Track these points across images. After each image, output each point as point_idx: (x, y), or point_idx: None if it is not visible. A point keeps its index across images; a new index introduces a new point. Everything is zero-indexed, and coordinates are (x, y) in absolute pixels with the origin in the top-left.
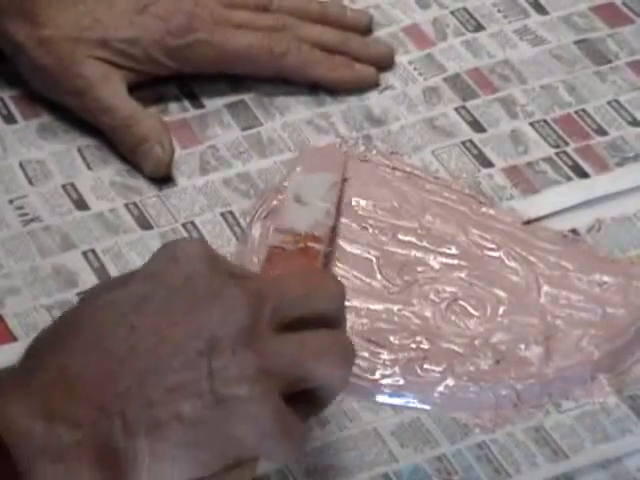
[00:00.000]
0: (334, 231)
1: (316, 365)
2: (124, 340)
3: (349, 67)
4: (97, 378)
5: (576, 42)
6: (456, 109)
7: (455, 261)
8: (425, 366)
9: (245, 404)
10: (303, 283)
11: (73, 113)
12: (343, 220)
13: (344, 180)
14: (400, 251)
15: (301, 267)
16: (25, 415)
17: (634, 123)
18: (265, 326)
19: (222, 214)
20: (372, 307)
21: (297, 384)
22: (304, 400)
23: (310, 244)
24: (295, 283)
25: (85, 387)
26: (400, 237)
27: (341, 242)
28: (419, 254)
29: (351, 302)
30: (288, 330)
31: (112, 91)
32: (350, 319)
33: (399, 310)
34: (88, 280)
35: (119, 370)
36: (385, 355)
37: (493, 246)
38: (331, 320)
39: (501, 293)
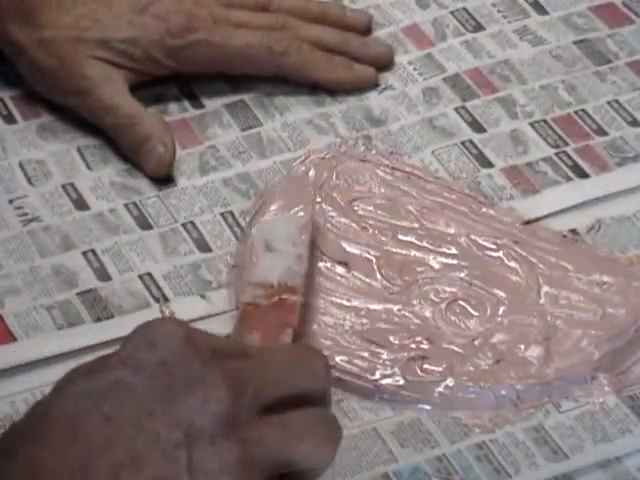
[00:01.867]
0: (309, 278)
1: (300, 447)
2: (99, 431)
3: (348, 67)
4: (70, 472)
5: (576, 42)
6: (456, 109)
7: (455, 261)
8: (425, 366)
9: None
10: (286, 361)
11: (73, 113)
12: (343, 220)
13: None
14: (400, 251)
15: (277, 324)
16: None
17: (634, 123)
18: (246, 411)
19: (222, 214)
20: (372, 307)
21: (282, 468)
22: (290, 478)
23: (284, 296)
24: (278, 361)
25: None
26: (400, 237)
27: (341, 242)
28: (419, 254)
29: (351, 302)
30: (270, 410)
31: (114, 91)
32: (350, 319)
33: (399, 310)
34: (88, 280)
35: (94, 463)
36: (385, 355)
37: (493, 246)
38: (316, 397)
39: (501, 293)
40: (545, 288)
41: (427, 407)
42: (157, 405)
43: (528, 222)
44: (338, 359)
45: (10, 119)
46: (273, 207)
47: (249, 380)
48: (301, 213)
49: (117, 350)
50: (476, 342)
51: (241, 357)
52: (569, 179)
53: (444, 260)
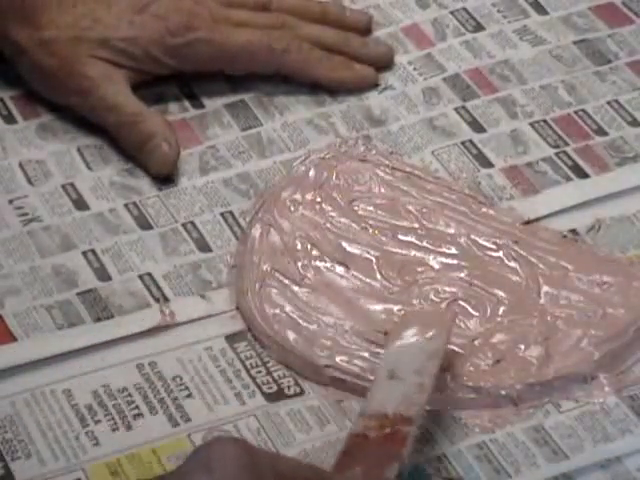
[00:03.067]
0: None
1: None
2: None
3: (348, 67)
4: None
5: (576, 42)
6: (456, 109)
7: (455, 261)
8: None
9: None
10: None
11: (73, 113)
12: (343, 220)
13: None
14: (400, 251)
15: (384, 457)
16: None
17: (634, 123)
18: None
19: (222, 214)
20: (372, 307)
21: None
22: None
23: (398, 427)
24: None
25: None
26: (400, 237)
27: (341, 242)
28: (419, 254)
29: (351, 302)
30: None
31: (116, 90)
32: (350, 319)
33: (399, 310)
34: (88, 280)
35: None
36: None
37: (493, 246)
38: None
39: (501, 293)
40: (545, 288)
41: (427, 407)
42: None
43: (528, 222)
44: (338, 359)
45: (10, 119)
46: (408, 332)
47: None
48: (434, 339)
49: (174, 470)
50: (476, 342)
51: None
52: (569, 179)
53: (444, 260)
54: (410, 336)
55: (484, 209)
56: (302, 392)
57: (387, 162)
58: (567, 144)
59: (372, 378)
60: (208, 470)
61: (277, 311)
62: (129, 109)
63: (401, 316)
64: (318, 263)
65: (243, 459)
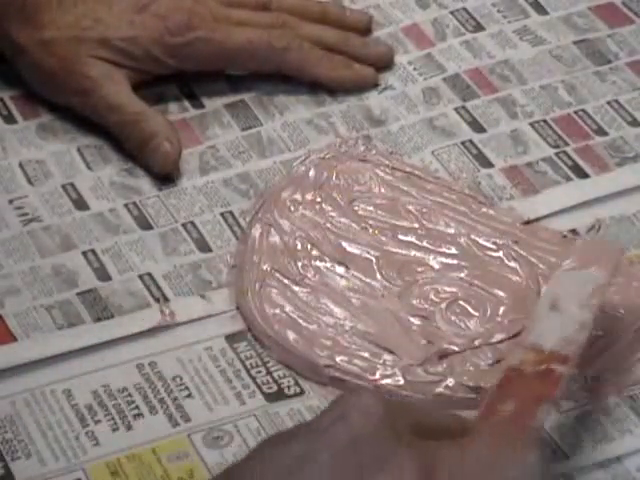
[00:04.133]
0: (590, 347)
1: None
2: None
3: (348, 67)
4: None
5: (576, 42)
6: (456, 109)
7: (455, 261)
8: (425, 366)
9: None
10: (491, 451)
11: (74, 113)
12: (343, 220)
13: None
14: (400, 251)
15: (537, 396)
16: None
17: (634, 123)
18: None
19: (222, 214)
20: (372, 307)
21: None
22: None
23: (554, 366)
24: (481, 450)
25: None
26: (400, 237)
27: (341, 242)
28: (419, 254)
29: (351, 302)
30: None
31: (117, 89)
32: (350, 319)
33: (399, 310)
34: (88, 280)
35: None
36: (385, 355)
37: (493, 246)
38: None
39: (501, 293)
40: (545, 288)
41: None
42: None
43: (528, 222)
44: (338, 359)
45: (10, 119)
46: (568, 261)
47: (447, 466)
48: (600, 273)
49: (311, 420)
50: (476, 342)
51: (446, 436)
52: (569, 179)
53: (444, 260)
54: (577, 266)
55: (484, 209)
56: (302, 392)
57: (387, 162)
58: (567, 144)
59: (372, 378)
60: (346, 423)
61: (277, 311)
62: (130, 108)
63: (573, 244)
64: (318, 263)
65: (380, 410)
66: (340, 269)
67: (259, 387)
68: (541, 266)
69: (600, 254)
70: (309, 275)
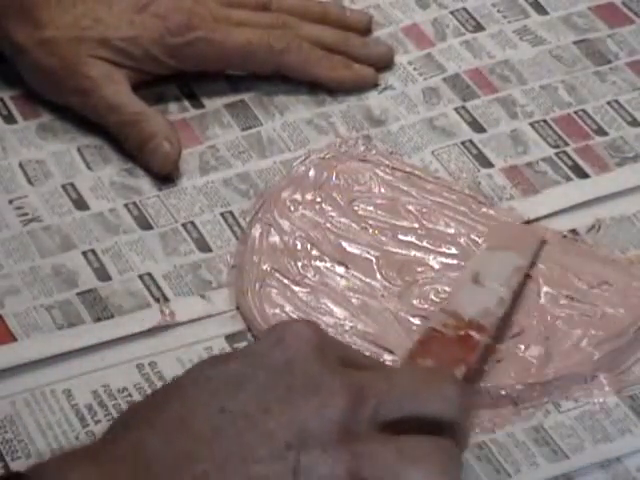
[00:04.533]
0: (504, 323)
1: (411, 473)
2: (210, 421)
3: (348, 67)
4: (174, 458)
5: (576, 42)
6: (456, 109)
7: (455, 261)
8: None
9: None
10: (416, 381)
11: (73, 113)
12: (343, 220)
13: (530, 266)
14: (400, 251)
15: (453, 357)
16: None
17: (634, 123)
18: (363, 424)
19: (222, 214)
20: (372, 307)
21: None
22: None
23: (471, 332)
24: (406, 380)
25: (159, 466)
26: (400, 237)
27: (341, 242)
28: (419, 254)
29: (351, 302)
30: (390, 428)
31: (117, 89)
32: (350, 319)
33: (399, 310)
34: (88, 280)
35: (199, 451)
36: (385, 355)
37: None
38: (444, 424)
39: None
40: (545, 288)
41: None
42: (274, 404)
43: (528, 222)
44: None
45: (10, 119)
46: (500, 241)
47: (372, 393)
48: (523, 255)
49: (248, 345)
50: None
51: (370, 370)
52: (569, 179)
53: (444, 260)
54: (501, 246)
55: (484, 209)
56: None
57: (387, 162)
58: (567, 144)
59: None
60: (283, 347)
61: (277, 311)
62: (130, 108)
63: (496, 225)
64: (318, 263)
65: (314, 340)
66: (340, 269)
67: None
68: (541, 266)
69: (522, 238)
70: (309, 275)
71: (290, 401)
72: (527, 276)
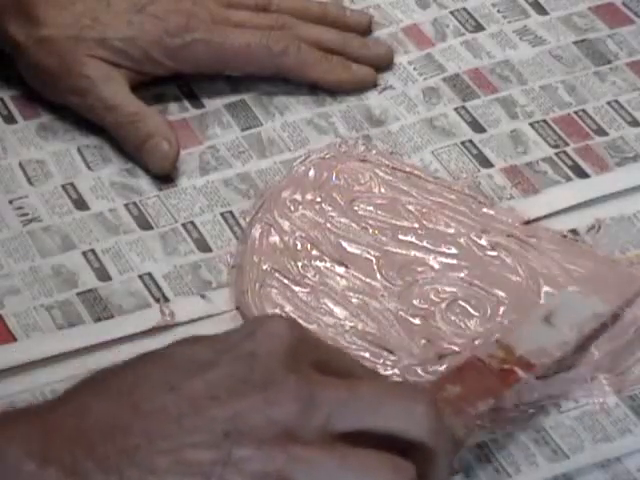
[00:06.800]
0: (559, 365)
1: None
2: (157, 398)
3: (346, 68)
4: (111, 427)
5: (576, 42)
6: (456, 109)
7: (455, 261)
8: (425, 366)
9: None
10: (381, 394)
11: (73, 113)
12: (343, 220)
13: (614, 316)
14: (400, 251)
15: (486, 388)
16: (21, 454)
17: (634, 123)
18: (311, 431)
19: (222, 214)
20: (372, 307)
21: None
22: None
23: (517, 369)
24: (371, 392)
25: (95, 433)
26: (400, 237)
27: (341, 242)
28: (419, 254)
29: (351, 302)
30: (353, 441)
31: (115, 89)
32: (350, 319)
33: (399, 310)
34: (88, 280)
35: (136, 426)
36: (385, 355)
37: (493, 246)
38: (410, 443)
39: (501, 293)
40: (545, 288)
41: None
42: (224, 392)
43: (528, 222)
44: None
45: (10, 119)
46: (573, 287)
47: (327, 401)
48: (607, 303)
49: (221, 334)
50: (476, 342)
51: (341, 378)
52: (569, 179)
53: (444, 260)
54: (589, 289)
55: (484, 209)
56: None
57: (387, 162)
58: (567, 144)
59: None
60: (252, 339)
61: (277, 311)
62: (128, 109)
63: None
64: (318, 263)
65: (286, 338)
66: (340, 269)
67: None
68: (541, 266)
69: (616, 284)
70: (309, 275)
71: (240, 393)
72: (604, 325)
